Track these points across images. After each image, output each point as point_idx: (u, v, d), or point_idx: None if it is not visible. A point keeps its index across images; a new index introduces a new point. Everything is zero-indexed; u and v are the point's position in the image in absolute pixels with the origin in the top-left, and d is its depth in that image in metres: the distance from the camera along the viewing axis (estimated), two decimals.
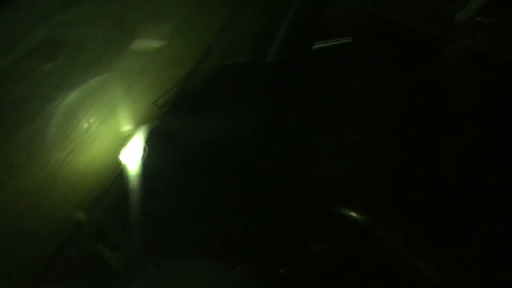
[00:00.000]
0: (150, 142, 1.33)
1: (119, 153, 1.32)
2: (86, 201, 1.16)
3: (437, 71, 1.21)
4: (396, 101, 1.16)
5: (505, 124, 1.13)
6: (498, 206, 0.98)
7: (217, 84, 1.34)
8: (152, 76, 1.47)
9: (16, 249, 1.07)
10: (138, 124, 1.39)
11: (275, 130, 1.16)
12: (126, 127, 1.40)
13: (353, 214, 0.94)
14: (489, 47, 1.22)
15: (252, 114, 1.22)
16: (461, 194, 1.01)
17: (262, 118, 1.20)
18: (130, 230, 1.05)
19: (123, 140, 1.35)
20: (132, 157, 1.31)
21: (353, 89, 1.20)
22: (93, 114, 1.46)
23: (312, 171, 1.06)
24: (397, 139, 1.11)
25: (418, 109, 1.16)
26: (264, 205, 1.03)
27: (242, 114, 1.22)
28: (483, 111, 1.16)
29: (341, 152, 1.07)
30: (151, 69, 1.47)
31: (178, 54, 1.51)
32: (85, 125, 1.43)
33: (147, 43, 1.51)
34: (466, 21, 1.26)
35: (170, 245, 1.01)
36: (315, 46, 1.34)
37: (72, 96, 1.45)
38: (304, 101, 1.22)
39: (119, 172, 1.27)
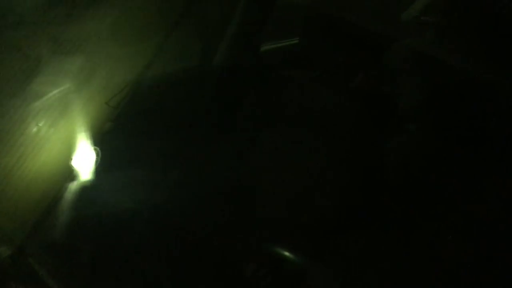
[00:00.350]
0: (103, 145, 1.30)
1: (71, 158, 1.29)
2: (34, 215, 1.12)
3: (383, 71, 1.23)
4: (344, 104, 1.18)
5: (449, 124, 1.17)
6: (444, 218, 1.02)
7: (163, 91, 1.31)
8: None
9: None
10: (90, 127, 1.35)
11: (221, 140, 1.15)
12: (77, 129, 1.36)
13: (287, 253, 0.94)
14: (433, 47, 1.25)
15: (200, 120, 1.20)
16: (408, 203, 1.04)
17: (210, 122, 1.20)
18: (72, 266, 1.00)
19: (75, 143, 1.32)
20: (85, 161, 1.28)
21: (300, 92, 1.21)
22: (43, 116, 1.41)
23: (253, 198, 1.05)
24: (344, 143, 1.13)
25: (365, 111, 1.18)
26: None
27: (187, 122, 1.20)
28: (427, 112, 1.19)
29: (284, 164, 1.08)
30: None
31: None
32: (34, 129, 1.38)
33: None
34: (412, 20, 1.29)
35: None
36: (262, 48, 1.34)
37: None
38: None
39: (70, 179, 1.24)
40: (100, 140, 1.31)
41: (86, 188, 1.16)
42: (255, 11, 1.28)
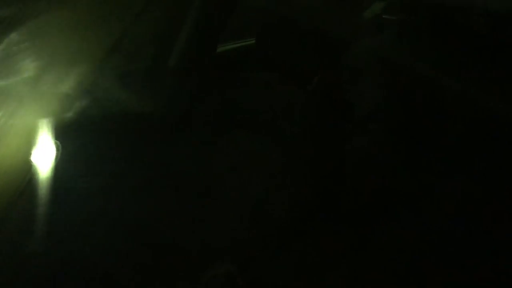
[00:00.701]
0: (64, 139, 1.28)
1: (30, 153, 1.27)
2: None
3: (343, 72, 1.24)
4: (303, 106, 1.19)
5: (410, 123, 1.20)
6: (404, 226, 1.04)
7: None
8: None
9: None
10: (50, 118, 1.32)
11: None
12: (37, 122, 1.33)
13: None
14: (393, 47, 1.26)
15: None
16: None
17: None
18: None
19: (35, 137, 1.29)
20: (45, 156, 1.26)
21: (257, 94, 1.20)
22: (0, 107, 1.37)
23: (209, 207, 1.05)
24: (304, 146, 1.14)
25: (325, 113, 1.19)
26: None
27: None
28: (388, 112, 1.21)
29: (240, 170, 1.09)
30: None
31: None
32: None
33: None
34: (373, 19, 1.28)
35: None
36: (218, 49, 1.31)
37: None
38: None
39: (29, 176, 1.22)
40: (61, 133, 1.29)
41: (43, 192, 1.15)
42: (212, 11, 1.25)
